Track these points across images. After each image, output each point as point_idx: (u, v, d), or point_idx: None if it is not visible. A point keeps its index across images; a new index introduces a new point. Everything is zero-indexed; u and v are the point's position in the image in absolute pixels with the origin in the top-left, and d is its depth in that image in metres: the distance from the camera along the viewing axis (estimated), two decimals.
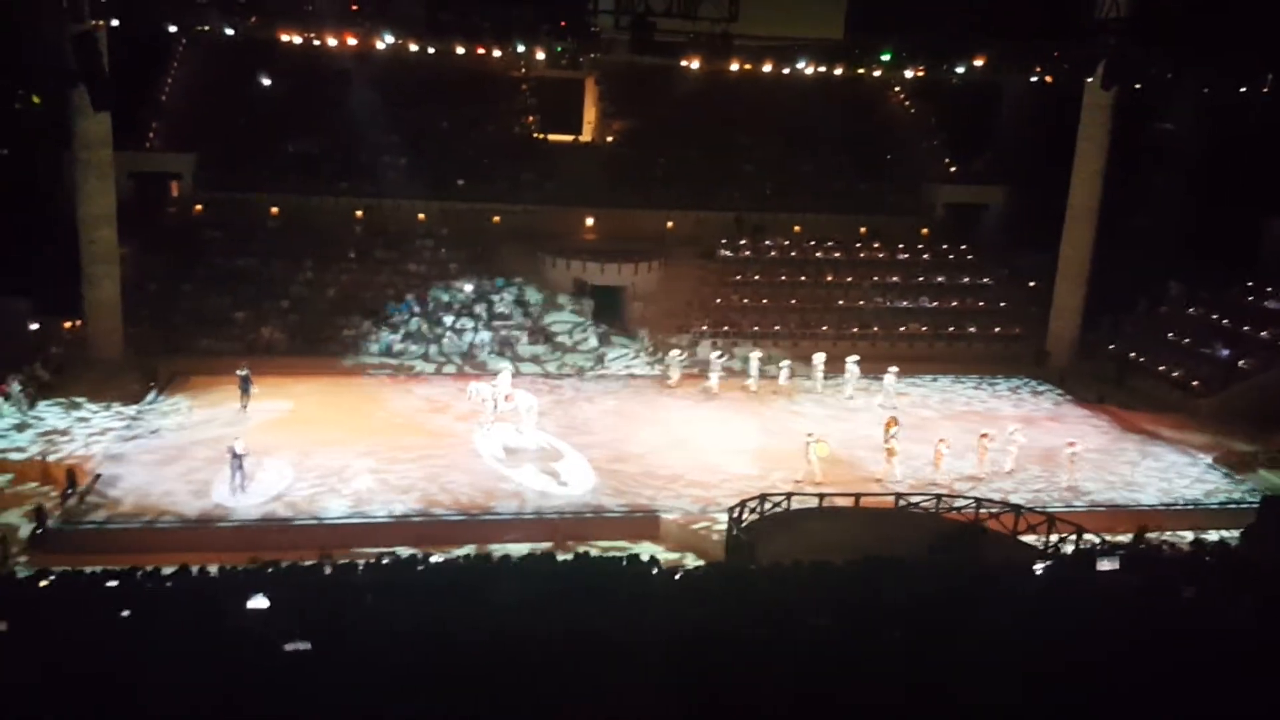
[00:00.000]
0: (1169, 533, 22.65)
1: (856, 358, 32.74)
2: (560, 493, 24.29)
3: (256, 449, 24.34)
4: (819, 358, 32.98)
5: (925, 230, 43.83)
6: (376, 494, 23.38)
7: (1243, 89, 32.21)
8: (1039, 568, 12.61)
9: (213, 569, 13.46)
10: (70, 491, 22.36)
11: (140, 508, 22.22)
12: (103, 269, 31.64)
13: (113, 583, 11.88)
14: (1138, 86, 34.72)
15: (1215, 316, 37.01)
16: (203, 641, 7.13)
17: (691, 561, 20.25)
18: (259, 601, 8.68)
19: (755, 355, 33.12)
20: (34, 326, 32.34)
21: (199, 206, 38.70)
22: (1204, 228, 36.23)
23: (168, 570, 12.72)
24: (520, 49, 30.97)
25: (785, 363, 32.86)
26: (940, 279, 41.19)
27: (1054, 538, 20.11)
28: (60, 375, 30.18)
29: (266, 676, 6.11)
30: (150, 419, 27.61)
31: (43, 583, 12.63)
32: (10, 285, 31.50)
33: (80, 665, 6.64)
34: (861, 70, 37.23)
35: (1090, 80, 33.44)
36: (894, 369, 32.00)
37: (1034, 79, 35.90)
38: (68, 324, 33.09)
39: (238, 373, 28.52)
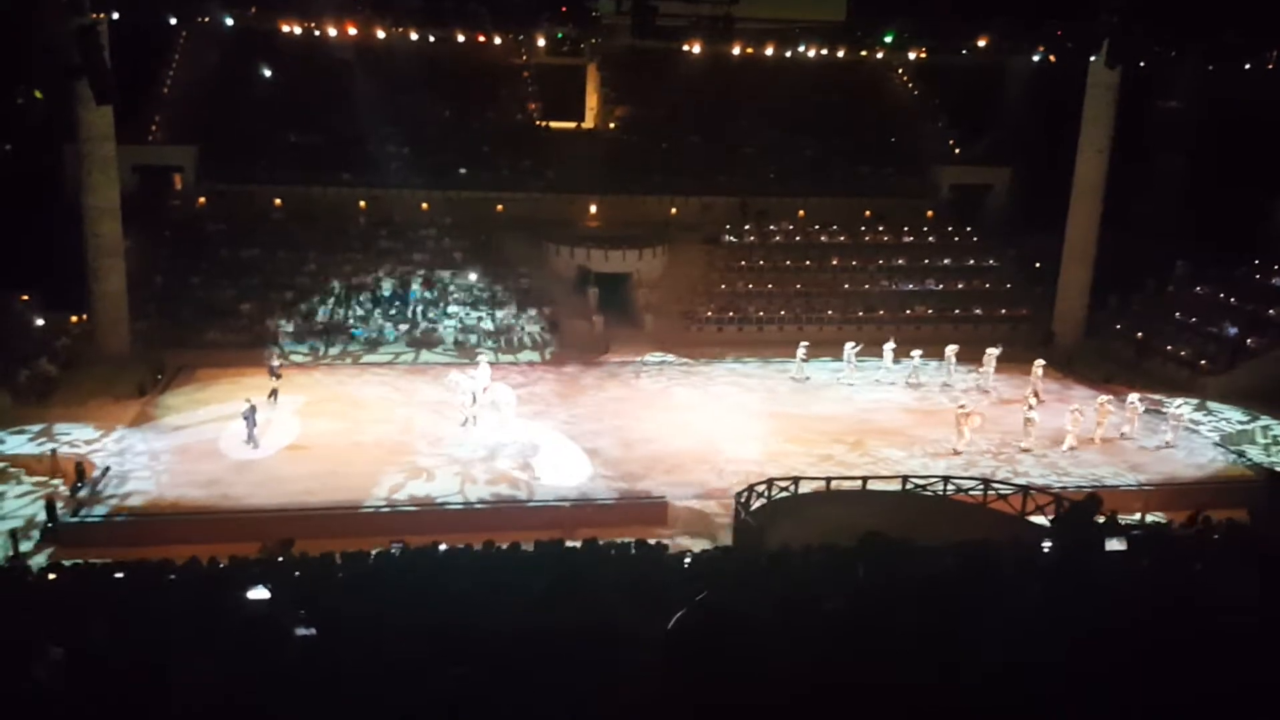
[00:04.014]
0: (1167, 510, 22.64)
1: (997, 350, 32.32)
2: (560, 482, 24.05)
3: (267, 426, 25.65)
4: (951, 349, 32.69)
5: (930, 212, 43.70)
6: (378, 485, 23.32)
7: (1247, 66, 32.04)
8: (1046, 546, 12.58)
9: (223, 560, 13.53)
10: (80, 485, 22.44)
11: (150, 500, 22.28)
12: (108, 262, 31.68)
13: (121, 574, 11.94)
14: (1142, 65, 34.51)
15: (1222, 295, 36.88)
16: (214, 631, 7.16)
17: (700, 547, 20.22)
18: (259, 592, 8.68)
19: (889, 347, 32.89)
20: (40, 322, 32.43)
21: (202, 199, 38.70)
22: (1210, 206, 36.05)
23: (179, 561, 12.78)
24: (520, 36, 30.89)
25: (917, 352, 32.51)
26: (945, 261, 41.09)
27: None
28: (67, 370, 30.27)
29: (276, 665, 6.13)
30: (158, 412, 27.67)
31: (53, 575, 12.69)
32: (16, 280, 31.57)
33: (92, 655, 6.67)
34: (864, 52, 37.14)
35: (1094, 59, 33.27)
36: (1041, 362, 31.49)
37: (1037, 58, 35.76)
38: (74, 319, 33.13)
39: (270, 363, 29.27)
